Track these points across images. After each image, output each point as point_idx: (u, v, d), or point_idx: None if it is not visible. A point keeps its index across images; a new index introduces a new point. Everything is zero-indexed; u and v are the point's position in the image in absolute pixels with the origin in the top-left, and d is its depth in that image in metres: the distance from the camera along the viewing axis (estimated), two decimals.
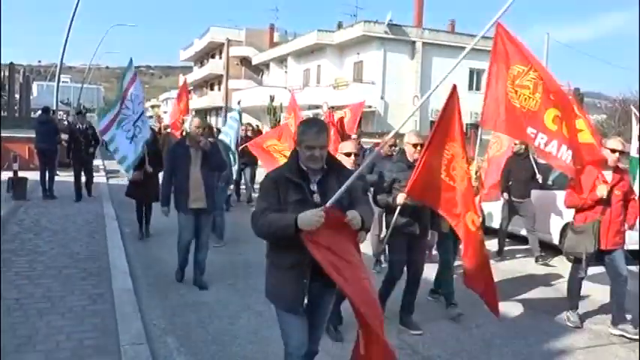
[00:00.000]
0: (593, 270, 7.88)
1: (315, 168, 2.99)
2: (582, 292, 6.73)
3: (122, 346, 4.19)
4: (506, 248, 8.85)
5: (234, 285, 6.23)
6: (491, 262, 8.00)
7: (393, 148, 7.72)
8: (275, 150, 10.08)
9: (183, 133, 11.37)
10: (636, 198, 5.56)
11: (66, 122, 19.58)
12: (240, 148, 10.20)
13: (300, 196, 2.94)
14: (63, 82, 29.03)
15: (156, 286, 6.11)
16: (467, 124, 31.08)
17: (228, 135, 9.69)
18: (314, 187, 3.00)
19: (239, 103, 11.52)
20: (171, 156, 6.21)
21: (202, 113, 55.90)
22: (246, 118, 38.06)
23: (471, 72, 32.32)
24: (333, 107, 24.28)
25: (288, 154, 9.98)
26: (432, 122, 30.39)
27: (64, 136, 12.19)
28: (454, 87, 4.66)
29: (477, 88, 32.70)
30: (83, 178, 11.57)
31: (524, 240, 9.30)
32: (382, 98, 30.03)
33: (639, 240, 7.87)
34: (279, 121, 30.25)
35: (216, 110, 50.04)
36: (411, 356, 4.53)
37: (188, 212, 5.93)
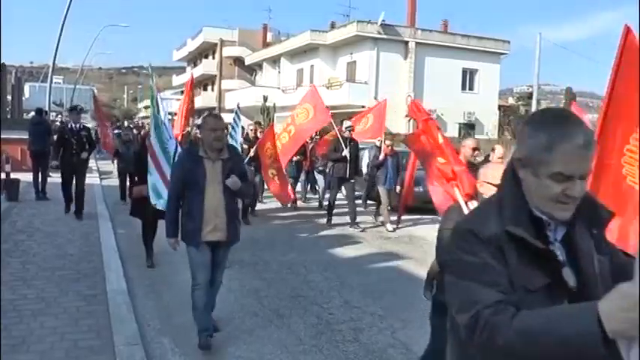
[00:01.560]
0: None
1: (566, 217, 1.50)
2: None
3: (117, 346, 4.20)
4: None
5: (229, 286, 6.24)
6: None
7: (476, 152, 6.89)
8: (270, 154, 9.87)
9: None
10: None
11: (58, 123, 19.45)
12: (253, 150, 10.08)
13: (550, 278, 1.47)
14: (55, 83, 28.91)
15: (150, 286, 6.11)
16: (460, 124, 31.46)
17: (234, 138, 9.46)
18: (561, 255, 1.52)
19: (238, 106, 10.82)
20: (179, 169, 4.47)
21: (196, 113, 55.80)
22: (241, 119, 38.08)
23: (464, 72, 32.46)
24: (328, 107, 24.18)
25: (274, 165, 9.70)
26: None
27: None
28: (627, 29, 2.69)
29: (471, 88, 32.88)
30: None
31: None
32: (375, 98, 29.97)
33: (639, 235, 7.93)
34: (273, 121, 30.29)
35: (210, 111, 49.93)
36: (404, 355, 4.55)
37: (202, 246, 4.32)
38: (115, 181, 13.25)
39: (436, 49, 31.34)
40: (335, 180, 10.49)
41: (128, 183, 10.08)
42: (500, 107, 35.12)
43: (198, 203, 4.25)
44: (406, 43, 30.97)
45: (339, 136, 10.35)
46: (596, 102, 47.80)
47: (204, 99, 51.21)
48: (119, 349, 4.17)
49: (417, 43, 30.97)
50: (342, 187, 10.56)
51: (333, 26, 35.93)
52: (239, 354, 4.44)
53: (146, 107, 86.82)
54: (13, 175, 11.39)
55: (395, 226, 10.10)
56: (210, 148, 4.27)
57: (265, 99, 31.82)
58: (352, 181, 10.38)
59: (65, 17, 19.07)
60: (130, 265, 6.83)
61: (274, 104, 31.25)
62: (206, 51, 53.14)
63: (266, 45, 44.75)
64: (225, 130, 9.37)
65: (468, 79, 32.76)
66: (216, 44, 48.81)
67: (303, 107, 10.54)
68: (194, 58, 57.15)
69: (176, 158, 5.87)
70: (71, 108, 11.14)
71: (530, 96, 37.37)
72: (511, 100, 49.46)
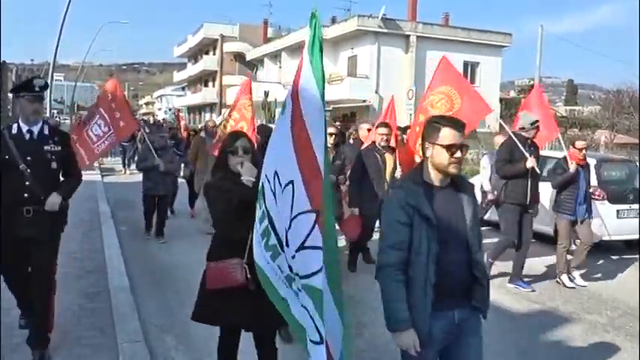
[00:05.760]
0: (590, 263, 7.94)
1: None
2: (579, 284, 6.79)
3: (120, 344, 4.21)
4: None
5: None
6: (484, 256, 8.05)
7: None
8: None
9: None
10: None
11: (57, 118, 19.34)
12: None
13: None
14: (56, 80, 28.91)
15: (153, 284, 6.12)
16: None
17: None
18: None
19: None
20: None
21: (197, 109, 55.95)
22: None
23: (466, 65, 32.34)
24: (327, 103, 24.01)
25: None
26: None
27: None
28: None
29: (472, 82, 32.74)
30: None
31: None
32: (377, 92, 29.99)
33: (639, 229, 7.91)
34: (274, 116, 30.24)
35: (210, 106, 50.00)
36: None
37: None
38: (120, 178, 13.15)
39: (437, 42, 31.18)
40: (510, 209, 6.21)
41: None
42: (501, 100, 35.02)
43: None
44: (407, 36, 30.86)
45: (512, 137, 6.31)
46: (597, 94, 47.60)
47: (205, 95, 51.25)
48: (122, 346, 4.17)
49: (418, 36, 30.85)
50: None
51: (333, 21, 35.80)
52: (243, 349, 4.42)
53: (147, 104, 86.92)
54: None
55: (574, 277, 6.73)
56: None
57: (266, 94, 31.74)
58: (531, 211, 6.31)
59: (65, 14, 19.06)
60: (132, 263, 6.83)
61: (275, 99, 31.16)
62: (207, 47, 53.13)
63: (267, 40, 44.64)
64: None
65: (469, 73, 32.60)
66: (216, 40, 48.74)
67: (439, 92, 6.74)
68: (195, 54, 57.12)
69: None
70: (20, 85, 4.29)
71: (531, 88, 37.29)
72: (512, 93, 49.34)
